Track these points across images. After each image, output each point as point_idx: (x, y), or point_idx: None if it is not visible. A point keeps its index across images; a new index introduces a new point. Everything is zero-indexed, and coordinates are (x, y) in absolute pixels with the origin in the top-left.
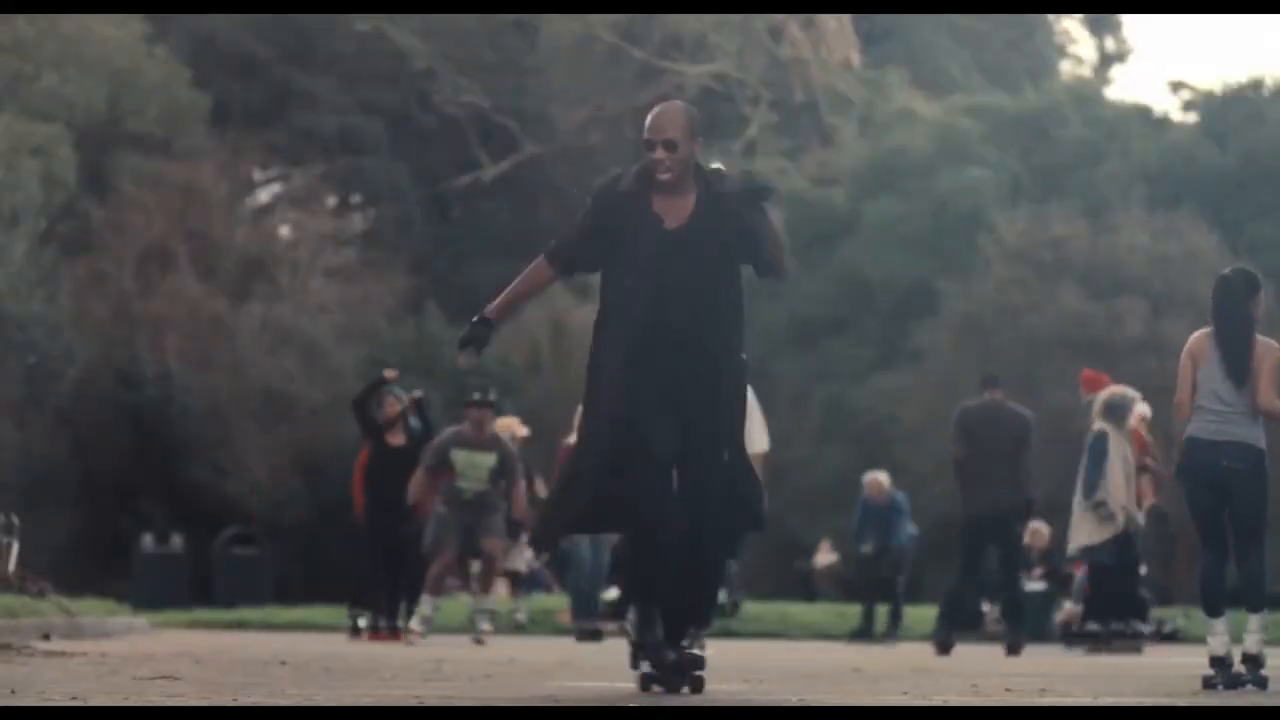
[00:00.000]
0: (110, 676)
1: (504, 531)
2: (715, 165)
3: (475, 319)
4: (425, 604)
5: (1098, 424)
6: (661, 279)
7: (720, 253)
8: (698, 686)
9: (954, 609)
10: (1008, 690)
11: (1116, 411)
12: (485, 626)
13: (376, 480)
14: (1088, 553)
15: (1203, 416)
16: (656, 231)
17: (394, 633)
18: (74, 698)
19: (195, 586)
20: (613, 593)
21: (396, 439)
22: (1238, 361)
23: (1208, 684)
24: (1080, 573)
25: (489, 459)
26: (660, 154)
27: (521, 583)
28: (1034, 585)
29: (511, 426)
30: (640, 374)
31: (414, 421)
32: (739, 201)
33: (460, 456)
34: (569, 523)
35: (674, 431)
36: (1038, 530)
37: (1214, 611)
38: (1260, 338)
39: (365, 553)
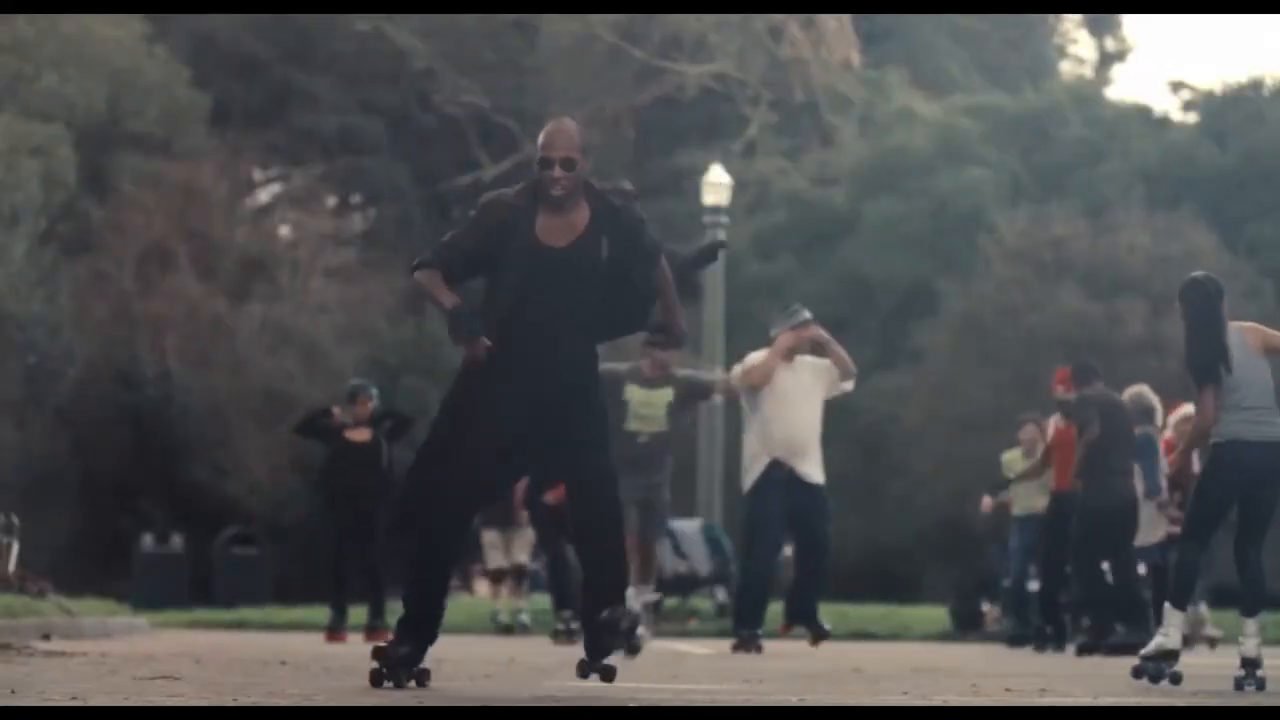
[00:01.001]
0: (110, 676)
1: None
2: (625, 184)
3: (451, 311)
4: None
5: (1138, 428)
6: (535, 297)
7: (602, 277)
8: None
9: (1109, 605)
10: (1008, 690)
11: (1149, 414)
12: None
13: (338, 477)
14: (1144, 553)
15: (1241, 415)
16: (536, 250)
17: (377, 631)
18: (74, 698)
19: (195, 586)
20: None
21: (360, 435)
22: (1195, 363)
23: (1155, 676)
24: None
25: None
26: (558, 172)
27: (525, 581)
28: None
29: None
30: (497, 402)
31: (388, 424)
32: (634, 252)
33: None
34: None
35: (512, 459)
36: None
37: (1185, 604)
38: (1247, 324)
39: (329, 552)
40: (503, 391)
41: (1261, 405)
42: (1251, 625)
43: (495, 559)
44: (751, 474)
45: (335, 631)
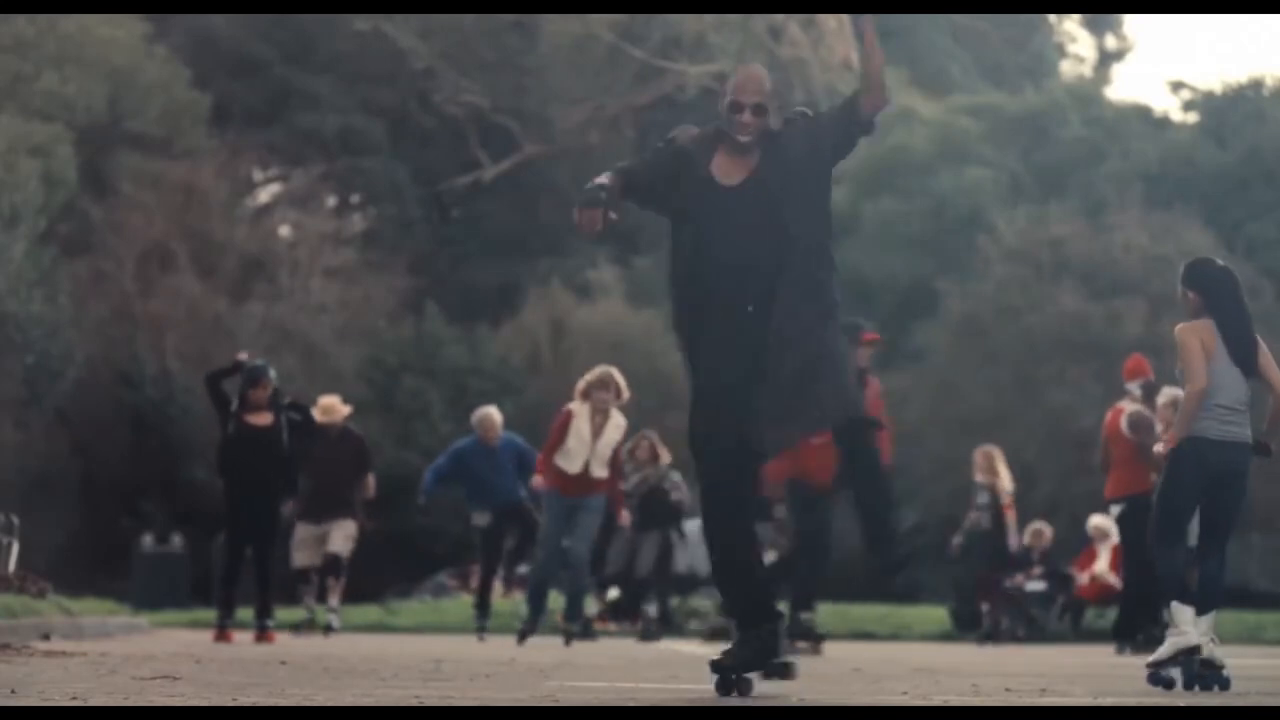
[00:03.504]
0: (110, 676)
1: None
2: (802, 109)
3: (591, 183)
4: None
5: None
6: (712, 238)
7: (779, 208)
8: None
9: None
10: (1008, 690)
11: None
12: None
13: (234, 462)
14: None
15: (1212, 414)
16: (710, 190)
17: (265, 632)
18: (74, 698)
19: (195, 586)
20: (613, 593)
21: (261, 419)
22: (1247, 351)
23: (1166, 681)
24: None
25: None
26: (748, 118)
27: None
28: (1034, 585)
29: (335, 406)
30: (716, 344)
31: (294, 414)
32: (807, 132)
33: None
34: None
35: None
36: (1040, 530)
37: (1185, 599)
38: None
39: (225, 544)
40: (704, 337)
41: (1232, 406)
42: (1204, 623)
43: (303, 557)
44: None
45: (223, 630)
